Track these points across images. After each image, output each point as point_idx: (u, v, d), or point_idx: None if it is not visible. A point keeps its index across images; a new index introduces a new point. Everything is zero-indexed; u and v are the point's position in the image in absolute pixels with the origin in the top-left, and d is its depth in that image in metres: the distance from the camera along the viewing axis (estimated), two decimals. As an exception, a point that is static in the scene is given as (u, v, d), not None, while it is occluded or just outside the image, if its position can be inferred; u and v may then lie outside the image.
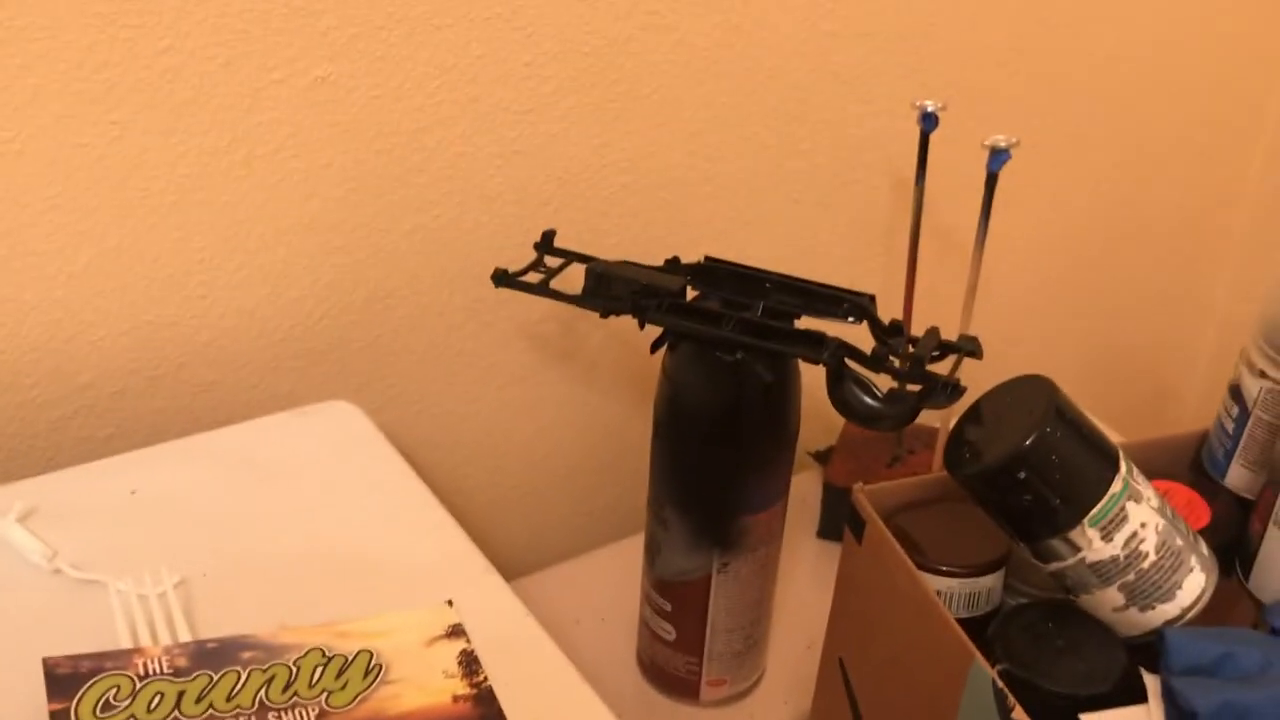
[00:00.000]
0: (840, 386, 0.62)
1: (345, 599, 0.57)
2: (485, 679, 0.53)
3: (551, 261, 0.72)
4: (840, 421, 0.97)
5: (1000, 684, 0.54)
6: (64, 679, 0.50)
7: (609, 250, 0.84)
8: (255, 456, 0.66)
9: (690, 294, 0.68)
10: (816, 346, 0.63)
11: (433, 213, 0.77)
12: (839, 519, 0.91)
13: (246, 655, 0.53)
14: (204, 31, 0.64)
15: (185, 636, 0.54)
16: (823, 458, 0.95)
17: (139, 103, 0.64)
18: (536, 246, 0.72)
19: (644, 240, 0.86)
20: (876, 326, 0.67)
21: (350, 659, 0.53)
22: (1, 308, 0.65)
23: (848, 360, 0.63)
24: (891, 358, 0.63)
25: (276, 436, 0.68)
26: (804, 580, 0.89)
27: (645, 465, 0.96)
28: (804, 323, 0.66)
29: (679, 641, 0.75)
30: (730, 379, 0.65)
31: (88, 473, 0.64)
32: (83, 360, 0.69)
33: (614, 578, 0.87)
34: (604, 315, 0.68)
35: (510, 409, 0.88)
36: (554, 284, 0.70)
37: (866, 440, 0.94)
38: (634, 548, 0.89)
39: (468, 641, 0.55)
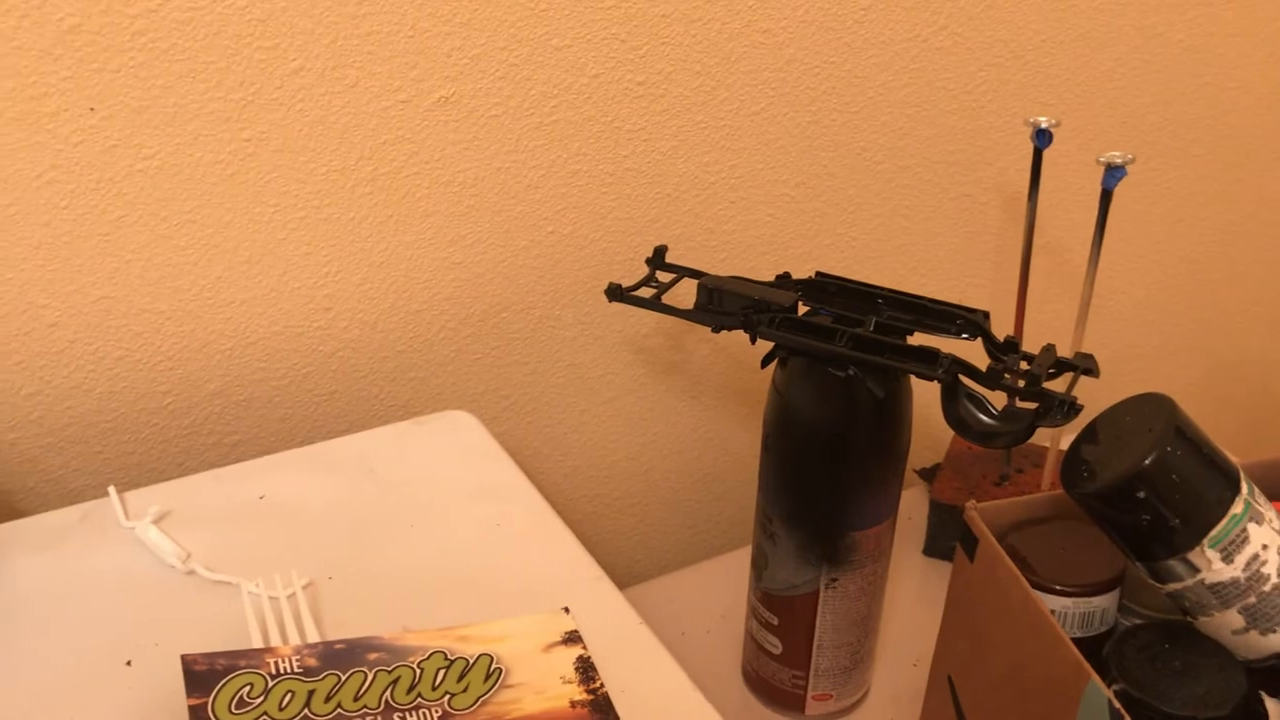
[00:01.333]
0: (955, 403, 0.63)
1: (463, 604, 0.59)
2: (601, 685, 0.54)
3: (663, 276, 0.73)
4: (947, 439, 0.97)
5: (1117, 705, 0.53)
6: (201, 675, 0.52)
7: (718, 266, 0.85)
8: (376, 464, 0.68)
9: (801, 309, 0.69)
10: (931, 362, 0.63)
11: (547, 228, 0.78)
12: (945, 536, 0.90)
13: (372, 657, 0.54)
14: (333, 53, 0.66)
15: (313, 637, 0.56)
16: (929, 475, 0.95)
17: (270, 122, 0.67)
18: (648, 262, 0.74)
19: (752, 256, 0.87)
20: (991, 343, 0.67)
21: (471, 662, 0.55)
22: (138, 318, 0.68)
23: (962, 376, 0.63)
24: (1008, 375, 0.63)
25: (396, 445, 0.70)
26: (909, 597, 0.88)
27: (750, 479, 0.97)
28: (916, 339, 0.66)
29: (785, 655, 0.75)
30: (842, 394, 0.66)
31: (218, 478, 0.67)
32: (213, 369, 0.72)
33: (719, 590, 0.88)
34: (715, 330, 0.69)
35: (618, 421, 0.89)
36: (665, 299, 0.71)
37: (974, 458, 0.93)
38: (739, 561, 0.90)
39: (584, 648, 0.56)
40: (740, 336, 0.89)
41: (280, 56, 0.65)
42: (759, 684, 0.78)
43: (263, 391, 0.74)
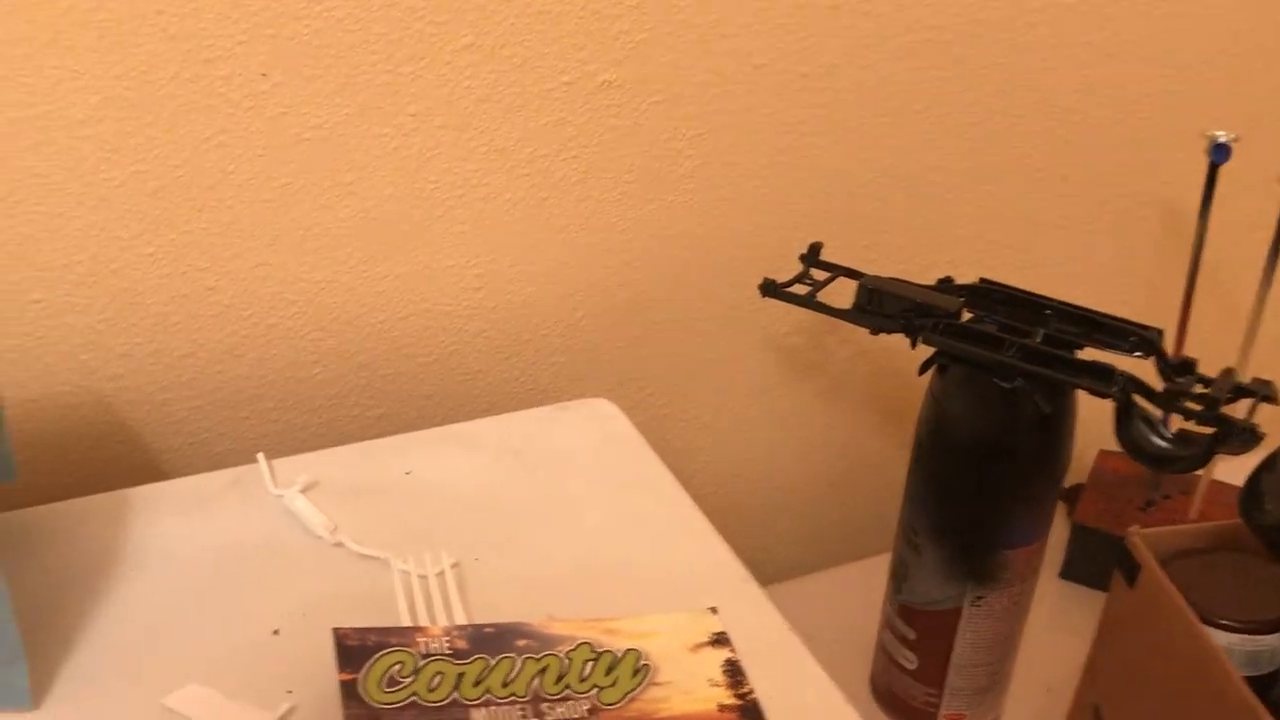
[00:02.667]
0: (1128, 424, 0.60)
1: (607, 595, 0.58)
2: (751, 691, 0.53)
3: (817, 274, 0.72)
4: (1090, 459, 0.94)
5: (1297, 752, 0.51)
6: (353, 650, 0.52)
7: (871, 267, 0.83)
8: (520, 447, 0.68)
9: (964, 315, 0.67)
10: (1105, 379, 0.60)
11: (698, 219, 0.77)
12: (1085, 560, 0.87)
13: (520, 643, 0.53)
14: (503, 31, 0.66)
15: (460, 619, 0.55)
16: (1070, 496, 0.92)
17: (437, 98, 0.66)
18: (803, 259, 0.72)
19: (906, 258, 0.85)
20: (1164, 363, 0.64)
21: (619, 657, 0.54)
22: (294, 286, 0.68)
23: (1137, 396, 0.60)
24: (1185, 398, 0.60)
25: (540, 429, 0.69)
26: (1044, 621, 0.85)
27: (885, 486, 0.95)
28: (1085, 353, 0.63)
29: (920, 671, 0.73)
30: (1005, 407, 0.63)
31: (364, 451, 0.67)
32: (361, 342, 0.71)
33: (845, 599, 0.86)
34: (875, 332, 0.67)
35: (752, 419, 0.87)
36: (818, 298, 0.69)
37: (1119, 481, 0.90)
38: (869, 569, 0.88)
39: (732, 650, 0.55)
40: (884, 340, 0.87)
41: (452, 32, 0.65)
42: (889, 698, 0.76)
43: (409, 367, 0.73)
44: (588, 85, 0.69)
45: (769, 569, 0.94)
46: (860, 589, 0.86)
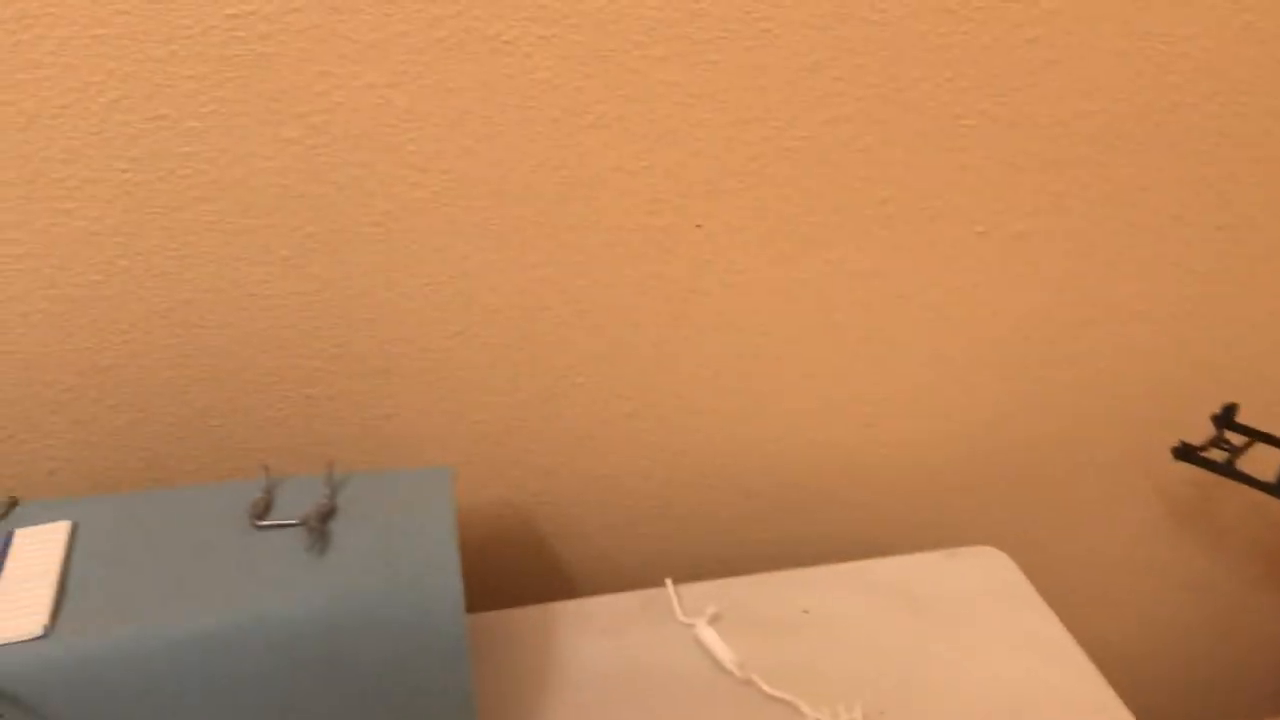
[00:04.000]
0: None
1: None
2: None
3: (1232, 437, 0.69)
4: None
5: None
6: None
7: None
8: (913, 592, 0.68)
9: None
10: None
11: (1099, 366, 0.76)
12: None
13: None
14: (925, 184, 0.67)
15: (870, 775, 0.57)
16: None
17: (853, 245, 0.68)
18: (1215, 420, 0.70)
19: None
20: None
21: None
22: (701, 416, 0.72)
23: None
24: None
25: (932, 575, 0.70)
26: None
27: (1262, 646, 0.90)
28: None
29: None
30: None
31: (761, 583, 0.69)
32: (755, 470, 0.74)
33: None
34: (1300, 509, 0.64)
35: (1130, 565, 0.85)
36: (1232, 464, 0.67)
37: None
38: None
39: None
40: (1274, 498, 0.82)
41: (873, 185, 0.67)
42: None
43: (798, 498, 0.75)
44: (1000, 235, 0.70)
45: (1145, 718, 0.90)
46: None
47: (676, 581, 0.69)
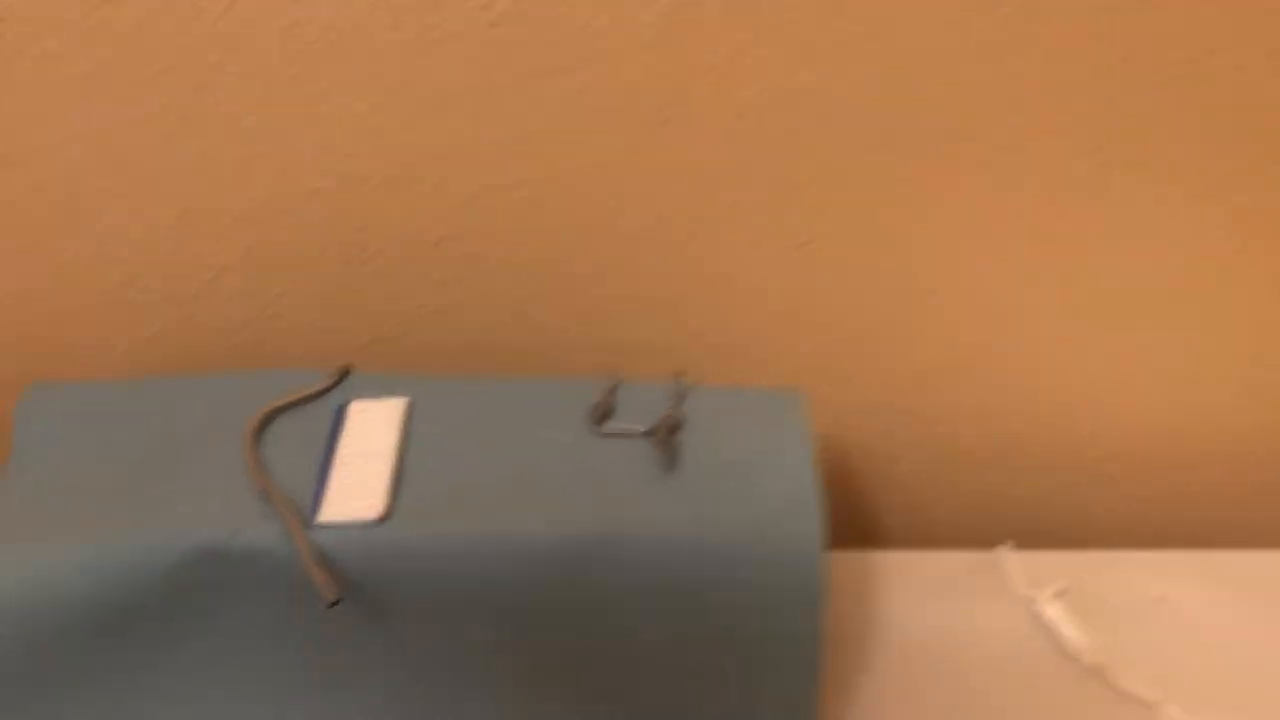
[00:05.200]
0: None
1: None
2: None
3: None
4: None
5: None
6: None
7: None
8: (1274, 593, 0.60)
9: None
10: None
11: None
12: None
13: None
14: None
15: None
16: None
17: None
18: None
19: None
20: None
21: None
22: (1048, 366, 0.64)
23: None
24: None
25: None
26: None
27: None
28: None
29: None
30: None
31: (1110, 563, 0.61)
32: (1084, 437, 0.66)
33: None
34: None
35: None
36: None
37: None
38: None
39: None
40: None
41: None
42: None
43: (1154, 472, 0.67)
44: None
45: None
46: None
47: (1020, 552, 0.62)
